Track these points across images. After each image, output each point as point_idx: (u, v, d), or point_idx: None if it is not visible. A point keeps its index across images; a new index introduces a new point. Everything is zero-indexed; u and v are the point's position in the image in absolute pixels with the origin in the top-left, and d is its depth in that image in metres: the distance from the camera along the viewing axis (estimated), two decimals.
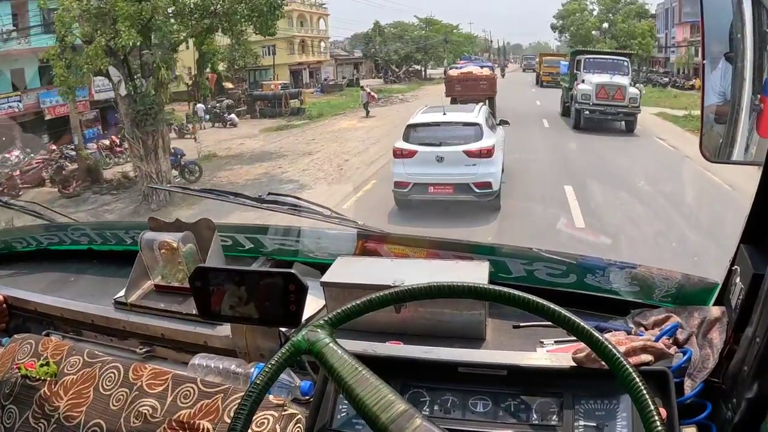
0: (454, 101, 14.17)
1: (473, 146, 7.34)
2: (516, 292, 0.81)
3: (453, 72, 17.72)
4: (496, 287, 0.82)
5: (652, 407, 0.70)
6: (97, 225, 1.79)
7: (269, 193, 1.49)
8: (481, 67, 19.54)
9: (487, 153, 7.32)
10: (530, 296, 0.80)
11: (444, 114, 8.21)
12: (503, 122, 9.19)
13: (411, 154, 7.48)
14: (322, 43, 33.52)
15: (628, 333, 1.06)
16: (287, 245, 1.51)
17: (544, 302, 0.80)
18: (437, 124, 7.90)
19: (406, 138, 7.74)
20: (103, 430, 1.11)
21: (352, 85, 29.61)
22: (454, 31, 37.28)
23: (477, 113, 8.12)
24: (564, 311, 0.79)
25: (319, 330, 0.82)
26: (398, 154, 7.61)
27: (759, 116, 1.02)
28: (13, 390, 1.23)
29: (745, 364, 0.85)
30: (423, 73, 36.24)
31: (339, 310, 0.85)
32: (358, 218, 1.51)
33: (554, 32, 33.08)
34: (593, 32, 29.24)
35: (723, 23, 1.06)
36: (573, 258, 1.24)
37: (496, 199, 7.46)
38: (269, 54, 28.76)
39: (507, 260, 1.29)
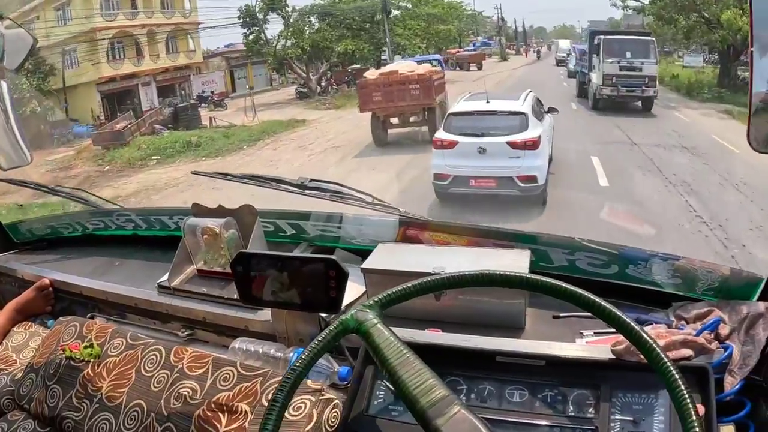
0: (376, 120, 11.40)
1: (518, 137, 6.86)
2: (560, 283, 0.81)
3: (371, 75, 12.41)
4: (546, 278, 0.82)
5: (689, 403, 0.69)
6: (142, 210, 1.83)
7: (311, 180, 1.49)
8: (419, 62, 13.86)
9: (533, 144, 6.83)
10: (573, 287, 0.80)
11: (487, 102, 7.67)
12: (552, 110, 8.51)
13: (451, 144, 7.08)
14: (189, 38, 19.90)
15: (669, 326, 1.04)
16: (329, 231, 1.51)
17: (586, 293, 0.79)
18: (479, 113, 7.42)
19: (447, 128, 7.36)
20: (143, 410, 1.13)
21: (185, 123, 14.86)
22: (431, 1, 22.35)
23: (523, 101, 7.55)
24: (604, 303, 0.78)
25: (368, 310, 0.84)
26: (438, 144, 7.24)
27: None
28: (57, 371, 1.28)
29: None
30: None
31: (389, 292, 0.85)
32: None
33: None
34: None
35: None
36: (615, 248, 1.21)
37: (542, 193, 6.99)
38: (71, 65, 16.46)
39: (548, 249, 1.27)
